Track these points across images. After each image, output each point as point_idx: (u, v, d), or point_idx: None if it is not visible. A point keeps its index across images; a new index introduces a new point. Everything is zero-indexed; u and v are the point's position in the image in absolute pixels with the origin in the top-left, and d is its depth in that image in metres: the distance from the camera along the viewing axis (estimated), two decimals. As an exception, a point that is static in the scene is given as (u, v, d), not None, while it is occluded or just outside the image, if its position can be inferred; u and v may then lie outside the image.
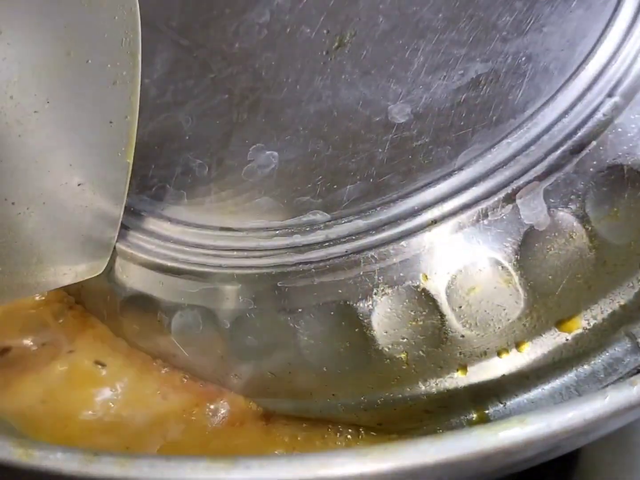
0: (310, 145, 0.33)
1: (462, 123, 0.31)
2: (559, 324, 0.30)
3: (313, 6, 0.37)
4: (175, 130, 0.36)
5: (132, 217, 0.33)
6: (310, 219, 0.31)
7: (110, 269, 0.33)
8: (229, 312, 0.31)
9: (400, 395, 0.30)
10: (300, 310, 0.30)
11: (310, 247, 0.30)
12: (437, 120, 0.31)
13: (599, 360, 0.30)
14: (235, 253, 0.31)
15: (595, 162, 0.29)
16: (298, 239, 0.31)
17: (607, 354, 0.30)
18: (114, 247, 0.33)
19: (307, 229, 0.31)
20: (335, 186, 0.31)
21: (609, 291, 0.30)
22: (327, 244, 0.30)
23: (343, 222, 0.30)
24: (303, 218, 0.31)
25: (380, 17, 0.36)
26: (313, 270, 0.30)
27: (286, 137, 0.33)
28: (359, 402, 0.31)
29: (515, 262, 0.29)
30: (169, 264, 0.32)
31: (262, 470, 0.22)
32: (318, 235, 0.31)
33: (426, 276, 0.30)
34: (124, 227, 0.33)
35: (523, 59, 0.31)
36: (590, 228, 0.29)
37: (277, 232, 0.31)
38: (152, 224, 0.33)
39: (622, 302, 0.30)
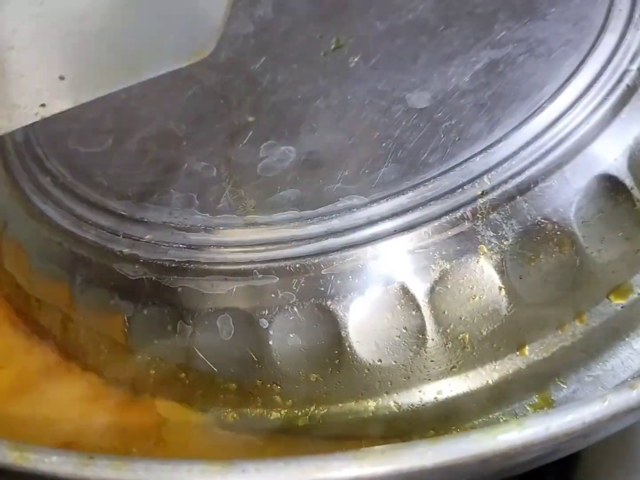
0: (328, 138, 0.32)
1: (489, 102, 0.31)
2: (613, 292, 0.30)
3: (300, 14, 0.37)
4: (168, 137, 0.35)
5: (137, 226, 0.32)
6: (346, 204, 0.30)
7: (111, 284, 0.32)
8: (266, 310, 0.30)
9: (462, 384, 0.30)
10: (349, 296, 0.29)
11: (353, 229, 0.29)
12: (463, 101, 0.31)
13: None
14: (267, 247, 0.30)
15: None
16: (337, 224, 0.30)
17: None
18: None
19: (346, 213, 0.30)
20: (367, 171, 0.30)
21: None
22: (370, 224, 0.29)
23: (384, 201, 0.29)
24: (338, 204, 0.30)
25: (374, 21, 0.36)
26: (360, 253, 0.29)
27: (299, 132, 0.33)
28: (415, 397, 0.30)
29: (574, 227, 0.29)
30: (190, 266, 0.30)
31: (258, 473, 0.22)
32: (359, 218, 0.29)
33: (484, 248, 0.29)
34: (130, 238, 0.32)
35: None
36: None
37: (312, 220, 0.30)
38: (160, 229, 0.31)
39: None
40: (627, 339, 0.30)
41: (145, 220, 0.32)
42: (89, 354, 0.33)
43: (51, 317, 0.34)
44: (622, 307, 0.30)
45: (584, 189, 0.29)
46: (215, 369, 0.30)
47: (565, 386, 0.30)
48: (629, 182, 0.30)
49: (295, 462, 0.23)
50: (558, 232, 0.29)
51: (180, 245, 0.31)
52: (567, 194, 0.29)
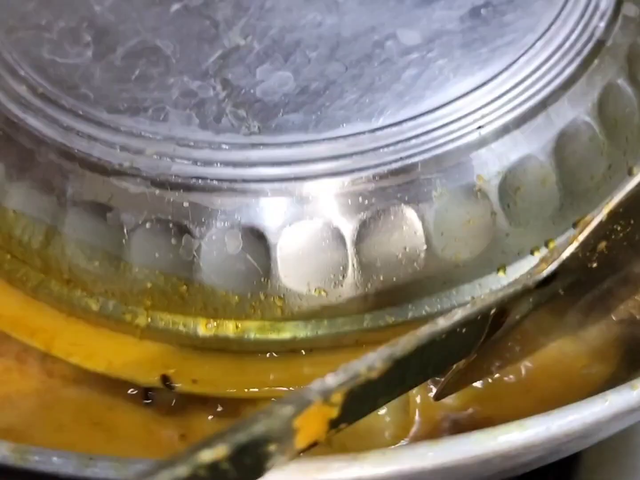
0: (325, 67, 0.33)
1: (476, 44, 0.33)
2: (578, 223, 0.34)
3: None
4: (156, 55, 0.34)
5: (135, 140, 0.31)
6: (353, 129, 0.31)
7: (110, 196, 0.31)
8: (276, 226, 0.30)
9: (447, 299, 0.32)
10: (358, 216, 0.30)
11: (362, 154, 0.30)
12: (451, 41, 0.33)
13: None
14: (276, 166, 0.30)
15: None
16: (345, 148, 0.30)
17: None
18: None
19: (352, 137, 0.31)
20: (367, 100, 0.32)
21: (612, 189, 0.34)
22: (378, 149, 0.30)
23: (388, 129, 0.31)
24: (344, 130, 0.31)
25: None
26: (371, 176, 0.30)
27: (295, 59, 0.33)
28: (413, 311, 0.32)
29: (552, 162, 0.32)
30: (197, 182, 0.30)
31: None
32: (366, 143, 0.31)
33: (481, 177, 0.31)
34: (128, 151, 0.31)
35: None
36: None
37: (320, 141, 0.31)
38: (161, 144, 0.31)
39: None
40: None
41: (144, 134, 0.32)
42: (76, 268, 0.32)
43: (31, 230, 0.33)
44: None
45: (563, 129, 0.33)
46: (219, 282, 0.31)
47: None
48: (596, 126, 0.34)
49: (296, 462, 0.23)
50: (541, 166, 0.32)
51: (185, 161, 0.31)
52: (550, 133, 0.32)
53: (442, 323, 0.25)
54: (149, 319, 0.32)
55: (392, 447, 0.26)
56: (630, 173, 0.35)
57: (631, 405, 0.26)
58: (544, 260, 0.30)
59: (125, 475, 0.24)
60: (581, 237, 0.30)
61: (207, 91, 0.33)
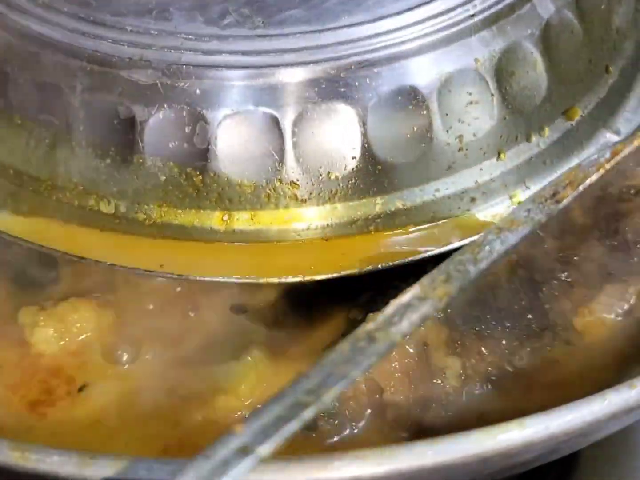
0: None
1: None
2: (566, 112, 0.36)
3: None
4: None
5: (142, 37, 0.31)
6: (352, 20, 0.32)
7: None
8: (289, 110, 0.31)
9: (452, 184, 0.33)
10: (367, 96, 0.31)
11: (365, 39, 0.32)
12: None
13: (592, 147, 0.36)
14: (284, 54, 0.31)
15: None
16: (346, 35, 0.32)
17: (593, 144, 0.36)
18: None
19: (351, 27, 0.32)
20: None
21: (593, 84, 0.36)
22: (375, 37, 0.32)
23: (387, 19, 0.32)
24: (344, 21, 0.32)
25: None
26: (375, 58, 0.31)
27: None
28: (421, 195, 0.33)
29: (540, 49, 0.34)
30: (207, 71, 0.31)
31: (259, 473, 0.23)
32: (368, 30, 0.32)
33: (478, 59, 0.33)
34: (137, 47, 0.31)
35: None
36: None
37: (325, 32, 0.31)
38: (169, 38, 0.31)
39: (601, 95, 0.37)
40: (574, 157, 0.36)
41: (151, 32, 0.32)
42: (86, 170, 0.32)
43: (38, 133, 0.33)
44: (572, 125, 0.36)
45: (548, 20, 0.34)
46: (234, 170, 0.31)
47: (529, 189, 0.35)
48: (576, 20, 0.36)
49: (296, 461, 0.24)
50: (531, 53, 0.34)
51: (194, 52, 0.31)
52: (536, 22, 0.34)
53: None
54: (163, 216, 0.32)
55: (391, 445, 0.24)
56: (607, 71, 0.38)
57: (630, 404, 0.26)
58: (569, 184, 0.32)
59: (125, 474, 0.24)
60: (608, 165, 0.32)
61: (209, -6, 0.34)
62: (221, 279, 0.32)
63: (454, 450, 0.24)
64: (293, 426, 0.23)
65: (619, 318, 0.35)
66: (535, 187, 0.35)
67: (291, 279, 0.32)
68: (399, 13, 0.33)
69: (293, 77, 0.31)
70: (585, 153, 0.36)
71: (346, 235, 0.33)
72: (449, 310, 0.35)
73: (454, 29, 0.33)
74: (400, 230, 0.33)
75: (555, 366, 0.34)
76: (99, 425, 0.33)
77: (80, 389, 0.34)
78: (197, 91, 0.31)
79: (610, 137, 0.37)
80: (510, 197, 0.35)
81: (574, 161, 0.36)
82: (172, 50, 0.32)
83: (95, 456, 0.25)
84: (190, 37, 0.32)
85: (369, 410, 0.33)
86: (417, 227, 0.33)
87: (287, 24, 0.32)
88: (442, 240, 0.33)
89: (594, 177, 0.33)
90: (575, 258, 0.37)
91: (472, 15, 0.33)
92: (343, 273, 0.32)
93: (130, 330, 0.36)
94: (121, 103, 0.31)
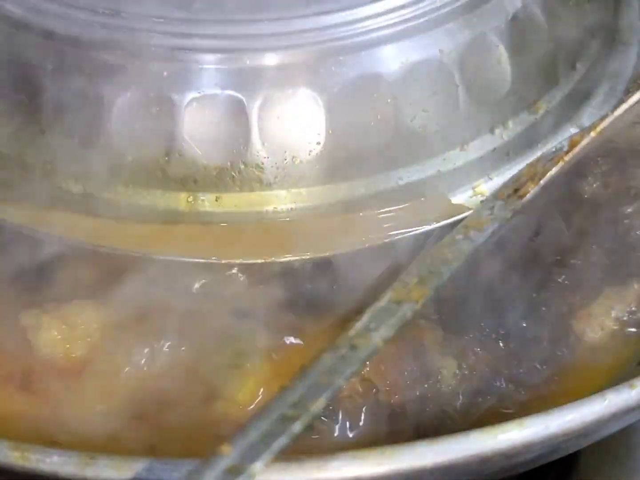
0: None
1: None
2: (530, 106, 0.36)
3: None
4: None
5: (113, 19, 0.32)
6: None
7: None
8: (255, 94, 0.31)
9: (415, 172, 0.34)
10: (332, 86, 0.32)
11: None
12: None
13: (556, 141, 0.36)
14: (258, 40, 0.32)
15: None
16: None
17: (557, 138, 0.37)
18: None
19: None
20: None
21: (560, 79, 0.37)
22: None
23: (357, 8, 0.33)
24: None
25: None
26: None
27: None
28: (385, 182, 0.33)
29: (506, 42, 0.35)
30: (178, 53, 0.31)
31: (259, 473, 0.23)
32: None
33: (442, 50, 0.33)
34: (108, 28, 0.32)
35: None
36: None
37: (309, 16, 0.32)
38: (140, 20, 0.32)
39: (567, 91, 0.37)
40: (538, 150, 0.36)
41: (122, 14, 0.32)
42: (55, 148, 0.33)
43: (8, 111, 0.33)
44: (535, 118, 0.36)
45: (514, 14, 0.35)
46: (199, 152, 0.32)
47: (491, 180, 0.36)
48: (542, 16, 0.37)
49: (296, 461, 0.24)
50: (496, 46, 0.35)
51: (163, 35, 0.32)
52: (502, 16, 0.35)
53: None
54: (129, 196, 0.33)
55: (392, 445, 0.24)
56: (573, 68, 0.39)
57: (630, 404, 0.26)
58: (530, 179, 0.32)
59: (125, 474, 0.25)
60: (567, 157, 0.33)
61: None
62: (182, 259, 0.32)
63: (454, 450, 0.24)
64: (282, 441, 0.22)
65: (619, 320, 0.35)
66: (498, 179, 0.35)
67: (253, 261, 0.33)
68: (366, 3, 0.33)
69: (260, 62, 0.32)
70: (549, 146, 0.36)
71: (311, 218, 0.33)
72: (444, 311, 0.35)
73: (420, 20, 0.33)
74: (369, 213, 0.33)
75: (554, 368, 0.34)
76: (100, 425, 0.33)
77: (83, 390, 0.34)
78: (165, 73, 0.32)
79: (574, 132, 0.38)
80: (473, 188, 0.35)
81: (537, 154, 0.36)
82: (143, 32, 0.32)
83: (95, 456, 0.25)
84: (160, 20, 0.32)
85: (364, 411, 0.33)
86: (386, 209, 0.34)
87: (257, 11, 0.33)
88: (414, 222, 0.34)
89: (553, 171, 0.33)
90: (573, 261, 0.37)
91: (439, 7, 0.34)
92: (306, 256, 0.33)
93: (132, 334, 0.35)
94: (90, 83, 0.32)
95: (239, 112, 0.32)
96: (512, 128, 0.36)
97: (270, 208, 0.33)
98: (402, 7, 0.33)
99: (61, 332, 0.35)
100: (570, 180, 0.38)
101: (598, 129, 0.34)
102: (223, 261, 0.33)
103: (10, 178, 0.34)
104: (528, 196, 0.33)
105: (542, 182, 0.33)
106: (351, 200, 0.33)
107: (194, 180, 0.32)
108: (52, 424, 0.33)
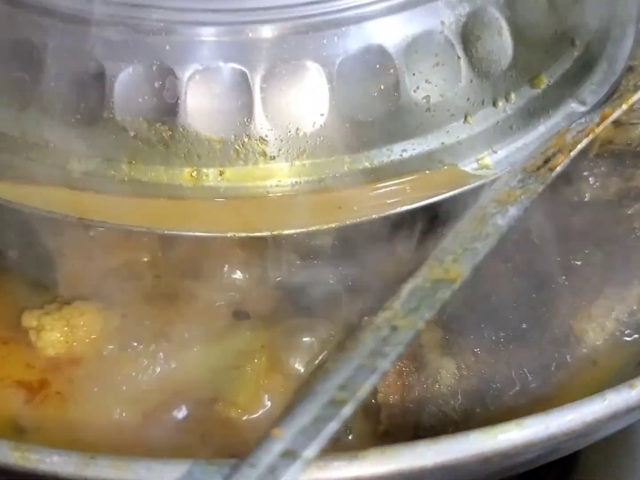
0: None
1: None
2: (532, 79, 0.36)
3: None
4: None
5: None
6: None
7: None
8: (260, 67, 0.31)
9: (419, 145, 0.34)
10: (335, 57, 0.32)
11: None
12: None
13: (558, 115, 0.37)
14: (259, 12, 0.31)
15: None
16: None
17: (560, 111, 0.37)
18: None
19: None
20: None
21: (560, 54, 0.37)
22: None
23: None
24: None
25: None
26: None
27: None
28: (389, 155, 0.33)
29: (506, 15, 0.35)
30: (178, 27, 0.31)
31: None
32: None
33: (444, 22, 0.33)
34: (108, 4, 0.31)
35: None
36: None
37: None
38: None
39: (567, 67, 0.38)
40: (540, 124, 0.37)
41: (121, -8, 0.33)
42: (57, 126, 0.32)
43: (9, 90, 0.33)
44: (538, 92, 0.36)
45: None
46: (202, 125, 0.32)
47: (495, 153, 0.36)
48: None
49: None
50: (496, 18, 0.35)
51: (164, 9, 0.32)
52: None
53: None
54: (132, 173, 0.33)
55: (392, 445, 0.24)
56: (572, 44, 0.38)
57: (630, 404, 0.26)
58: (559, 150, 0.32)
59: (125, 474, 0.25)
60: (598, 130, 0.33)
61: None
62: (187, 233, 0.32)
63: (454, 450, 0.24)
64: (333, 426, 0.22)
65: (619, 321, 0.35)
66: (502, 152, 0.36)
67: (258, 234, 0.33)
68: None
69: (263, 34, 0.32)
70: (552, 120, 0.37)
71: (315, 191, 0.33)
72: (443, 312, 0.33)
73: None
74: (372, 186, 0.33)
75: (554, 368, 0.34)
76: (101, 426, 0.33)
77: (86, 392, 0.34)
78: (167, 47, 0.32)
79: (576, 107, 0.38)
80: (477, 160, 0.35)
81: (541, 128, 0.36)
82: (143, 7, 0.32)
83: (95, 456, 0.25)
84: (160, -1, 0.33)
85: (364, 411, 0.33)
86: (390, 182, 0.34)
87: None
88: (419, 195, 0.33)
89: (584, 142, 0.33)
90: (573, 262, 0.37)
91: None
92: (311, 229, 0.33)
93: (134, 335, 0.36)
94: (91, 59, 0.32)
95: (241, 85, 0.32)
96: (515, 101, 0.36)
97: (274, 181, 0.33)
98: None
99: (64, 334, 0.35)
100: (570, 181, 0.39)
101: (630, 101, 0.34)
102: (228, 234, 0.32)
103: (12, 159, 0.34)
104: (559, 168, 0.32)
105: (572, 153, 0.33)
106: (354, 173, 0.33)
107: (197, 154, 0.32)
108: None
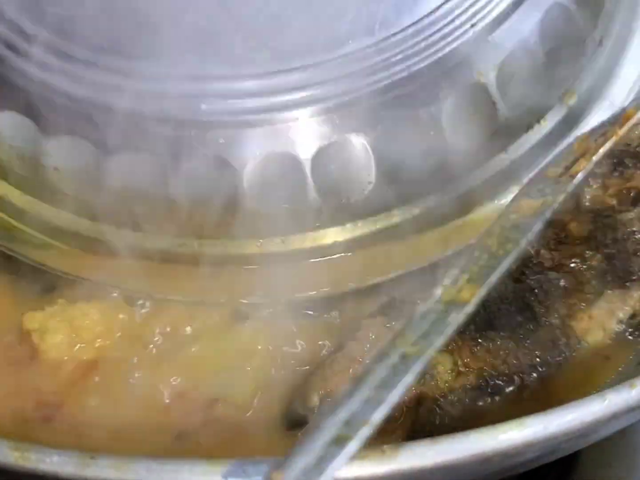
0: None
1: None
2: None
3: None
4: None
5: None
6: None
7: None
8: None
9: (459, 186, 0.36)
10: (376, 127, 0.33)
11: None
12: None
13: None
14: (305, 90, 0.33)
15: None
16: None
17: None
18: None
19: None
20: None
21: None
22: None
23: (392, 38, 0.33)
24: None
25: None
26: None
27: None
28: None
29: (539, 41, 0.35)
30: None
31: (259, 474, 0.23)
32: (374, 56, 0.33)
33: (480, 72, 0.34)
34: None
35: None
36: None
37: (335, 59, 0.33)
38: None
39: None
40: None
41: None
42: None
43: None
44: (569, 107, 0.37)
45: (548, 9, 0.35)
46: (262, 205, 0.34)
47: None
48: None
49: None
50: (531, 49, 0.35)
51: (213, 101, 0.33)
52: (537, 14, 0.35)
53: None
54: (200, 248, 0.36)
55: (392, 445, 0.24)
56: (600, 44, 0.39)
57: (630, 404, 0.26)
58: (581, 155, 0.31)
59: (125, 475, 0.25)
60: (622, 131, 0.31)
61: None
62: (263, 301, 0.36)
63: (454, 450, 0.24)
64: (337, 465, 0.22)
65: (619, 322, 0.36)
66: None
67: (323, 293, 0.36)
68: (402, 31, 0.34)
69: (306, 115, 0.34)
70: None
71: (370, 246, 0.36)
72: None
73: (454, 45, 0.34)
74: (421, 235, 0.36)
75: (554, 368, 0.34)
76: (101, 426, 0.34)
77: (89, 393, 0.35)
78: (222, 140, 0.34)
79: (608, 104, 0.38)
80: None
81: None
82: (192, 99, 0.33)
83: (95, 456, 0.25)
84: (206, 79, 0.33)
85: None
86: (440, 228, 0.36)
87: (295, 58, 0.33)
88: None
89: (607, 146, 0.31)
90: (573, 264, 0.36)
91: (472, 26, 0.34)
92: (371, 282, 0.36)
93: (135, 335, 0.36)
94: (151, 156, 0.34)
95: (293, 166, 0.34)
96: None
97: (330, 242, 0.36)
98: (433, 33, 0.33)
99: (67, 336, 0.36)
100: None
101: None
102: (297, 295, 0.36)
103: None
104: (580, 175, 0.30)
105: (594, 158, 0.31)
106: (405, 221, 0.36)
107: (260, 228, 0.35)
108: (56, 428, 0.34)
